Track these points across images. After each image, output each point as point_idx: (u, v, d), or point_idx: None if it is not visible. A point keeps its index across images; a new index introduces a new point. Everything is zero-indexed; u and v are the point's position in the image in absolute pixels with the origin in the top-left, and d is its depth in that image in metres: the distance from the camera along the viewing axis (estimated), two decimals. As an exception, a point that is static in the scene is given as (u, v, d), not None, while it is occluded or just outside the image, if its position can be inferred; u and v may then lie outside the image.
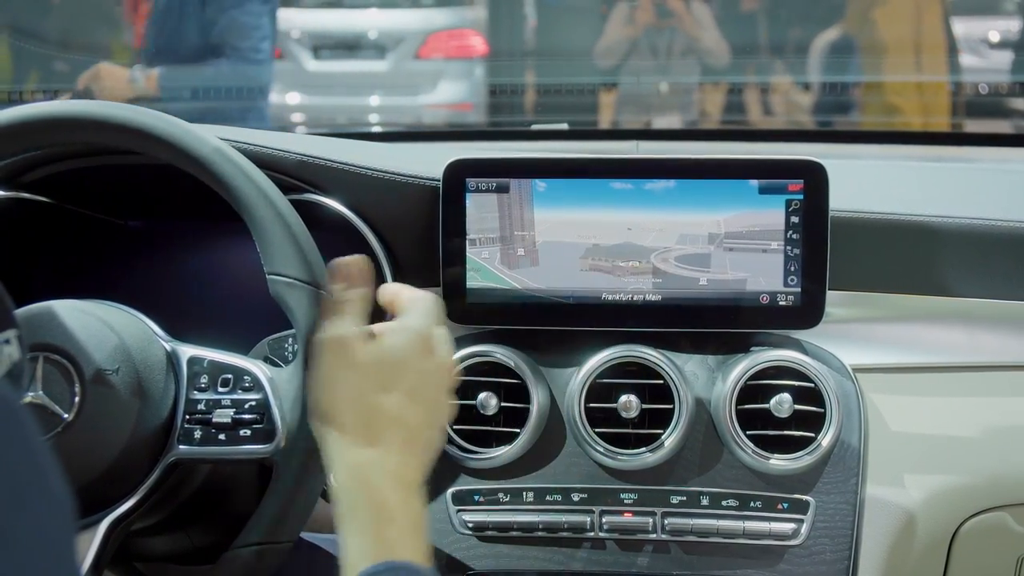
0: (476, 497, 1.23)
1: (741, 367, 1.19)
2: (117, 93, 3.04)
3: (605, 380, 1.21)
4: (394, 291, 1.02)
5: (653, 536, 1.21)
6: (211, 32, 3.15)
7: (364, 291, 0.98)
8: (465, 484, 1.23)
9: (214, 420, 1.02)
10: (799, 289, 1.23)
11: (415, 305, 0.98)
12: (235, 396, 1.03)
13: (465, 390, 1.21)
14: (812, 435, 1.18)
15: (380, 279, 1.27)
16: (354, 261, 0.99)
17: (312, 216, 1.12)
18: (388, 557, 0.83)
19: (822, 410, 1.18)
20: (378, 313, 1.27)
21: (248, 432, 1.02)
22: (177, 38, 3.19)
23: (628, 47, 4.40)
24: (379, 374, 0.92)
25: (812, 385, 1.18)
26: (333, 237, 1.23)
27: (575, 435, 1.22)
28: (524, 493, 1.23)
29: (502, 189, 1.25)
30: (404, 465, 0.90)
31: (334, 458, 0.90)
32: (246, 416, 1.02)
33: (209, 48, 3.15)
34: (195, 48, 3.16)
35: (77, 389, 0.99)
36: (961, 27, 4.52)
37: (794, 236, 1.22)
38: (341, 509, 0.88)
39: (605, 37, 4.43)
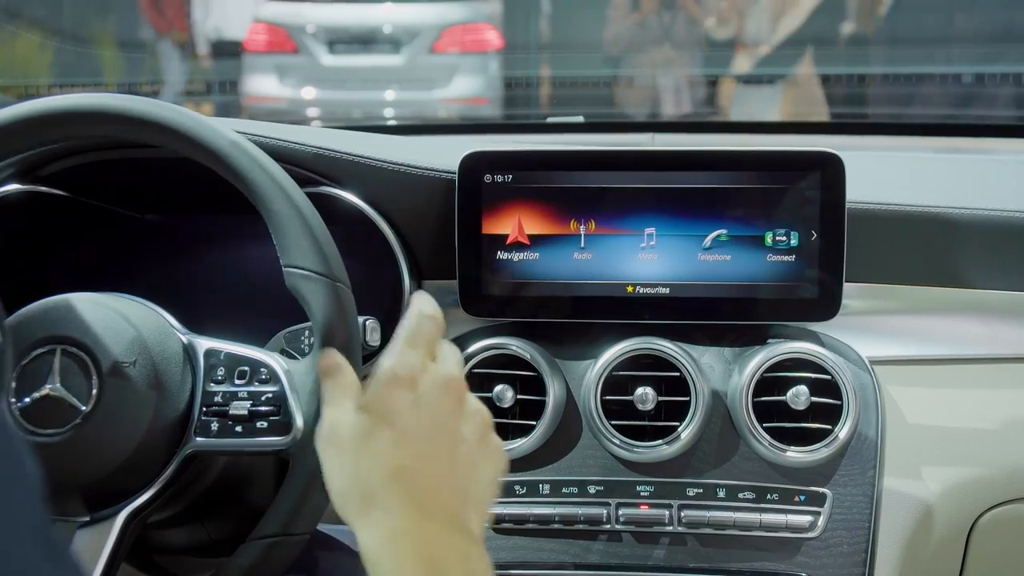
0: (492, 489, 1.23)
1: (758, 359, 1.19)
2: None
3: (621, 372, 1.21)
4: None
5: (669, 528, 1.21)
6: None
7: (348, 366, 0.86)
8: (481, 476, 1.23)
9: (231, 412, 1.02)
10: (816, 281, 1.22)
11: (395, 342, 0.84)
12: (252, 388, 1.03)
13: (481, 383, 1.21)
14: (829, 427, 1.18)
15: (395, 271, 1.28)
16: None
17: (328, 209, 1.12)
18: None
19: (839, 402, 1.18)
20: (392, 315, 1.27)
21: (265, 424, 1.02)
22: None
23: (636, 31, 4.40)
24: (377, 456, 0.79)
25: (829, 377, 1.18)
26: (349, 230, 1.23)
27: (591, 427, 1.22)
28: (540, 485, 1.23)
29: (518, 182, 1.24)
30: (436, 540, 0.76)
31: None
32: (263, 408, 1.02)
33: None
34: None
35: (94, 381, 1.00)
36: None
37: (811, 228, 1.22)
38: None
39: (611, 24, 4.43)
